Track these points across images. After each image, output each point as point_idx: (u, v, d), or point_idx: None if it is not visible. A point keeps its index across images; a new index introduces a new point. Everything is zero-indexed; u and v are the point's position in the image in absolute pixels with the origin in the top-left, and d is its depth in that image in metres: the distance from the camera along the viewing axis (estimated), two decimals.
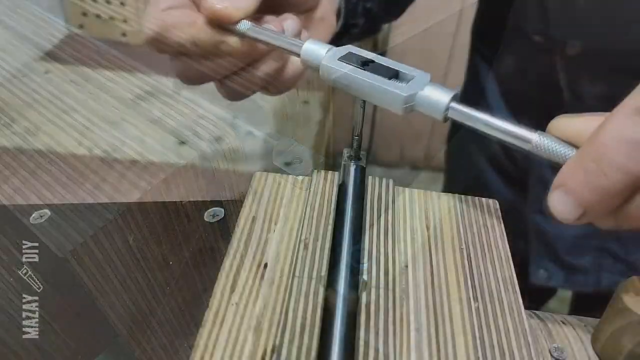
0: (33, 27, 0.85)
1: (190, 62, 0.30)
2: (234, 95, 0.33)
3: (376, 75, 0.26)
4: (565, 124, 0.23)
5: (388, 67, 0.27)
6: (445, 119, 0.25)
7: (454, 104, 0.25)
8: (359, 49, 0.28)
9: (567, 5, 0.44)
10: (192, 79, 0.32)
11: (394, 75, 0.26)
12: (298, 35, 0.32)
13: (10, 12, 0.81)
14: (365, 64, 0.27)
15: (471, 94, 0.61)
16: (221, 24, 0.29)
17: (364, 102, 0.28)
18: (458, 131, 0.65)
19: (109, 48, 0.89)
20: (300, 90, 0.81)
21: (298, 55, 0.28)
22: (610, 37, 0.43)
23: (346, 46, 0.28)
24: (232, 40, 0.29)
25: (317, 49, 0.28)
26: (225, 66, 0.31)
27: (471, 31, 0.61)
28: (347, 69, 0.27)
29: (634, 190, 0.20)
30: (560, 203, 0.21)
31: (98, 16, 0.90)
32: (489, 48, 0.56)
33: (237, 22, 0.29)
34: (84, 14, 0.91)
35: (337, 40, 0.42)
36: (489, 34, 0.57)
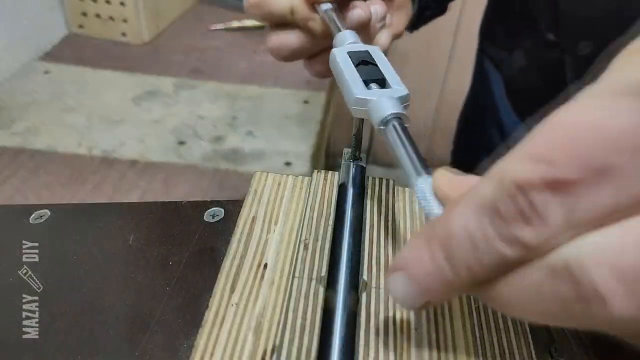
0: (33, 27, 0.85)
1: (285, 36, 0.34)
2: (320, 73, 0.36)
3: (356, 74, 0.26)
4: (435, 178, 0.19)
5: (379, 71, 0.26)
6: (381, 133, 0.23)
7: (394, 123, 0.23)
8: (381, 53, 0.28)
9: (582, 4, 0.44)
10: (285, 55, 0.35)
11: (380, 81, 0.26)
12: (384, 19, 0.35)
13: (11, 12, 0.81)
14: (365, 63, 0.27)
15: (478, 95, 0.61)
16: (311, 2, 0.32)
17: None
18: (465, 132, 0.66)
19: (109, 48, 0.89)
20: (300, 90, 0.81)
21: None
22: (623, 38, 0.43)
23: (372, 46, 0.28)
24: (317, 19, 0.32)
25: (344, 39, 0.29)
26: (314, 45, 0.34)
27: (480, 28, 0.60)
28: (342, 61, 0.27)
29: (480, 285, 0.16)
30: (400, 289, 0.17)
31: (98, 16, 0.90)
32: (498, 47, 0.56)
33: (322, 2, 0.31)
34: (84, 14, 0.91)
35: (414, 24, 0.44)
36: (499, 33, 0.57)
